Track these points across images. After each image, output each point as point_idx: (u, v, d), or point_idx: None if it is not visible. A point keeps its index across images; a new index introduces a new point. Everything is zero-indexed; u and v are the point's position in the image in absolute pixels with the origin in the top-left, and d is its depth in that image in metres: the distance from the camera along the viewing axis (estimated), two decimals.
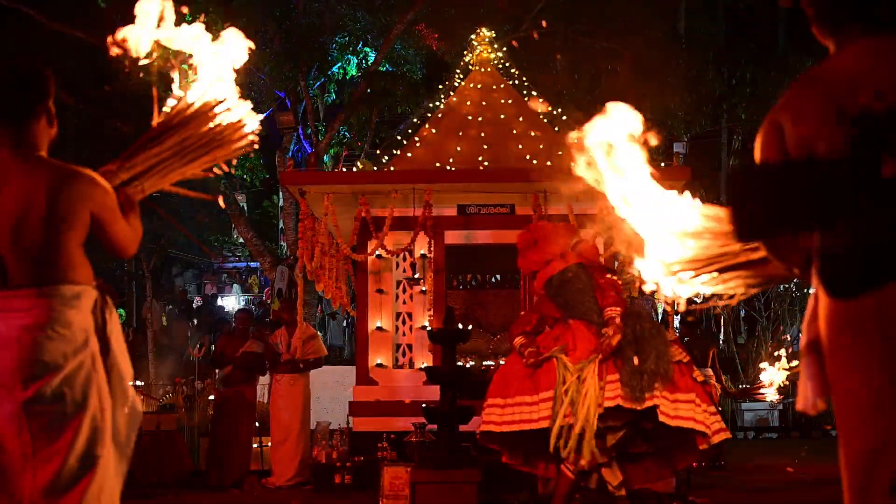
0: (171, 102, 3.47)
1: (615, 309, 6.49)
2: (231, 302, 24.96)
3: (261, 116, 3.59)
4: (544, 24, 17.06)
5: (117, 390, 3.16)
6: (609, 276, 6.78)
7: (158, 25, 3.45)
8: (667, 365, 6.26)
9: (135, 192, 3.32)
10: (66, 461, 2.91)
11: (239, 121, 3.46)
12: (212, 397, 10.53)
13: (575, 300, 6.66)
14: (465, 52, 11.93)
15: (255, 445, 10.06)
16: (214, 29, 3.54)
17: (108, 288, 3.26)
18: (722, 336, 18.42)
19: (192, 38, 3.48)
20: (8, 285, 3.01)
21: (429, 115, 12.21)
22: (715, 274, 2.84)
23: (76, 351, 3.00)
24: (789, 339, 17.24)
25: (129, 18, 3.45)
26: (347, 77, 17.29)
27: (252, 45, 3.58)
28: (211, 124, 3.43)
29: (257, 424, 10.18)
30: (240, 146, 3.49)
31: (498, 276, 12.02)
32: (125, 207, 3.24)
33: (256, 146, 3.56)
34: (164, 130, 3.37)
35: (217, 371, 10.14)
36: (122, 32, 3.43)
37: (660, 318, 20.19)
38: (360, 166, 11.07)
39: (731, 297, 2.96)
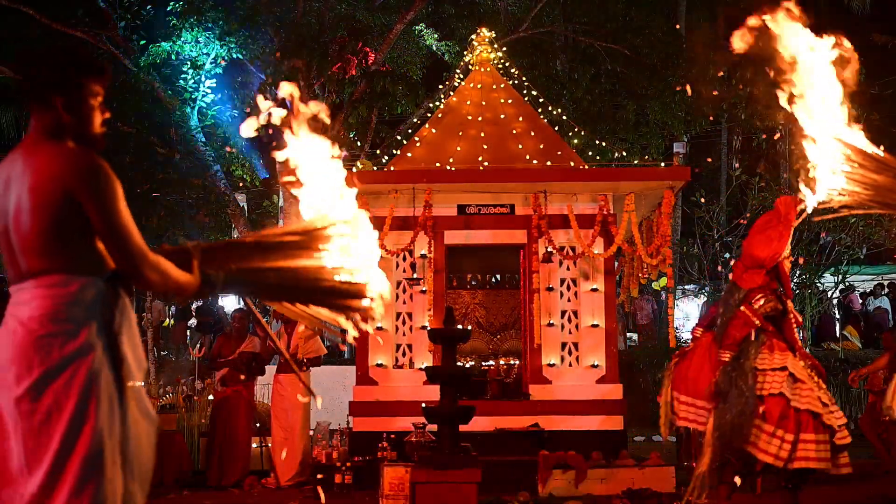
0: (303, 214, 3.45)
1: (724, 353, 6.56)
2: (231, 302, 24.94)
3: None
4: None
5: (128, 394, 2.95)
6: (750, 305, 6.68)
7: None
8: (739, 422, 6.35)
9: (211, 272, 3.12)
10: (54, 465, 2.76)
11: (365, 284, 3.41)
12: (211, 397, 10.54)
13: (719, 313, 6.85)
14: (465, 52, 11.93)
15: (254, 445, 10.06)
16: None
17: (121, 280, 3.00)
18: None
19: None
20: (20, 278, 2.92)
21: (429, 115, 12.21)
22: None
23: (69, 347, 2.84)
24: None
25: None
26: (347, 77, 17.28)
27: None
28: (338, 278, 3.37)
29: (258, 424, 10.18)
30: (358, 308, 3.41)
31: (498, 276, 12.02)
32: (179, 258, 3.03)
33: (372, 325, 3.49)
34: (271, 243, 3.30)
35: (214, 371, 10.14)
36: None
37: (658, 314, 20.20)
38: (360, 166, 11.06)
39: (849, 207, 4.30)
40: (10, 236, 2.94)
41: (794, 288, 16.73)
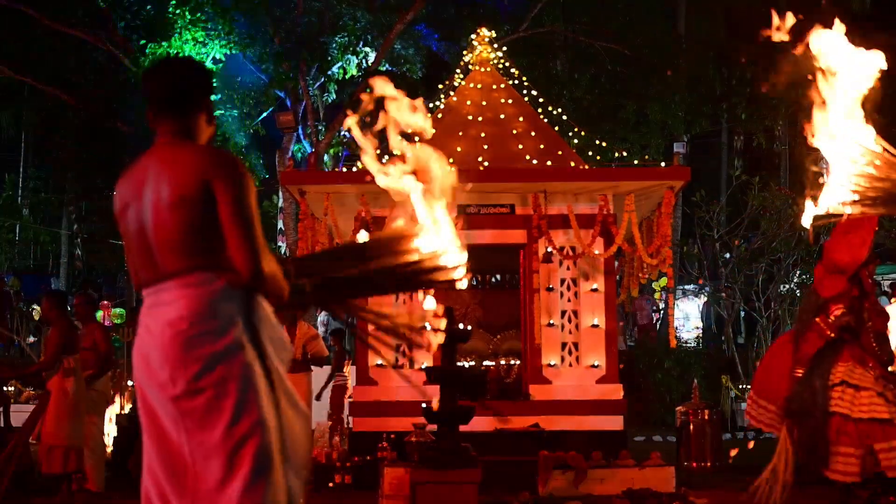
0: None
1: (798, 369, 6.44)
2: None
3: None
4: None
5: (280, 389, 2.96)
6: (826, 318, 6.50)
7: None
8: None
9: (299, 281, 3.18)
10: (226, 460, 2.78)
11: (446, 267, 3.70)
12: None
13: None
14: (465, 52, 11.92)
15: None
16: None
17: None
18: (723, 337, 18.44)
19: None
20: (159, 278, 2.94)
21: (429, 115, 12.20)
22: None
23: (222, 344, 2.86)
24: None
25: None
26: (347, 77, 17.29)
27: None
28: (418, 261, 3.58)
29: None
30: (442, 278, 3.71)
31: (498, 276, 12.02)
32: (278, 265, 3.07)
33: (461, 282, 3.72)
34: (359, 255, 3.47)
35: None
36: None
37: (659, 317, 20.21)
38: (360, 166, 11.05)
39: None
40: (147, 237, 2.95)
41: (795, 289, 16.74)
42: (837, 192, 4.86)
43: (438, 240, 3.68)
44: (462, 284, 3.77)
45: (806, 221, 5.35)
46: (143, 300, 2.99)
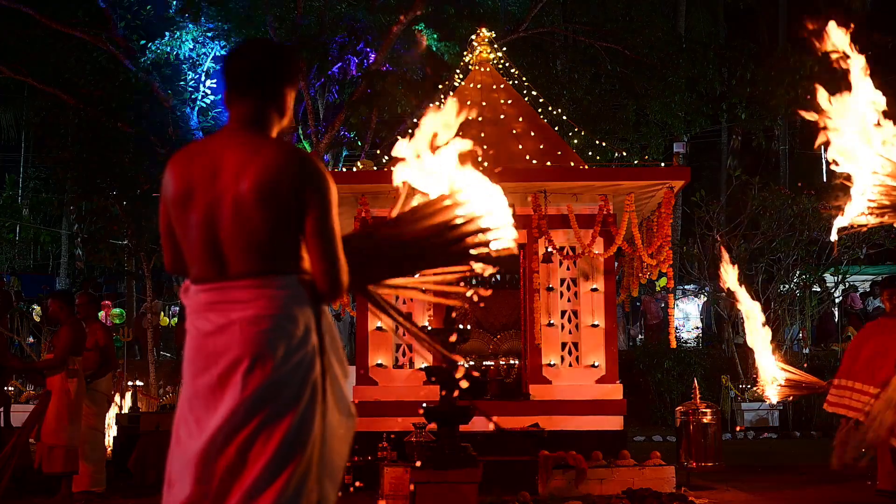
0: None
1: None
2: None
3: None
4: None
5: (331, 394, 2.88)
6: None
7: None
8: None
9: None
10: (270, 462, 2.70)
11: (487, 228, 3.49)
12: None
13: None
14: (465, 52, 11.92)
15: None
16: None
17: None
18: (723, 337, 18.44)
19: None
20: (228, 276, 2.80)
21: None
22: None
23: (297, 346, 2.77)
24: (788, 339, 17.22)
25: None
26: (347, 77, 17.28)
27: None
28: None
29: None
30: (486, 252, 3.51)
31: (498, 276, 12.02)
32: None
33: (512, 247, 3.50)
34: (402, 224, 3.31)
35: None
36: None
37: (662, 316, 20.21)
38: (360, 166, 11.06)
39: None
40: (216, 231, 2.81)
41: (795, 288, 16.73)
42: (861, 204, 4.90)
43: (482, 204, 3.51)
44: (509, 244, 3.63)
45: (833, 234, 5.39)
46: (195, 295, 2.85)
